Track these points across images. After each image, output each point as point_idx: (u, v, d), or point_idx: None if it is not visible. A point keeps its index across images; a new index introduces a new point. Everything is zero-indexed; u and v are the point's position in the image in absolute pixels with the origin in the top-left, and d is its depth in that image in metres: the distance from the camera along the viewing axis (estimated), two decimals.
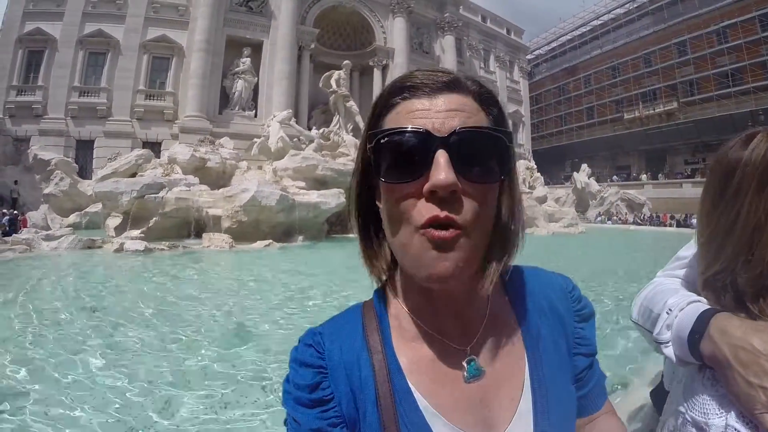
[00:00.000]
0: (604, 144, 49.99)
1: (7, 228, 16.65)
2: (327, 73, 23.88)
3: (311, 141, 20.34)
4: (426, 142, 0.58)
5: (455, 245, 0.58)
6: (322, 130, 22.17)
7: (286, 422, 0.69)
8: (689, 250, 1.16)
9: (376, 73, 31.35)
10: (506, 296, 0.76)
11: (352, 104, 23.59)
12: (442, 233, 0.57)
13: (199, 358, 4.52)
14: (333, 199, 16.21)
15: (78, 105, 25.60)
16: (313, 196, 16.05)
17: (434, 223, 0.58)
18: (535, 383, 0.70)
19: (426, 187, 0.58)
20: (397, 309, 0.72)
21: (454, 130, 0.58)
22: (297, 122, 23.90)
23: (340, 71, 24.07)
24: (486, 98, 0.65)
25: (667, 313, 0.96)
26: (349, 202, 0.73)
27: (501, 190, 0.65)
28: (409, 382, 0.66)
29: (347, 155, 19.74)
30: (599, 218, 34.00)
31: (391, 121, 0.62)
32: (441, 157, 0.57)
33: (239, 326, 5.66)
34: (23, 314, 6.09)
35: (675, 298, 0.98)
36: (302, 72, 28.29)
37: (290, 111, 23.36)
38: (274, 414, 3.30)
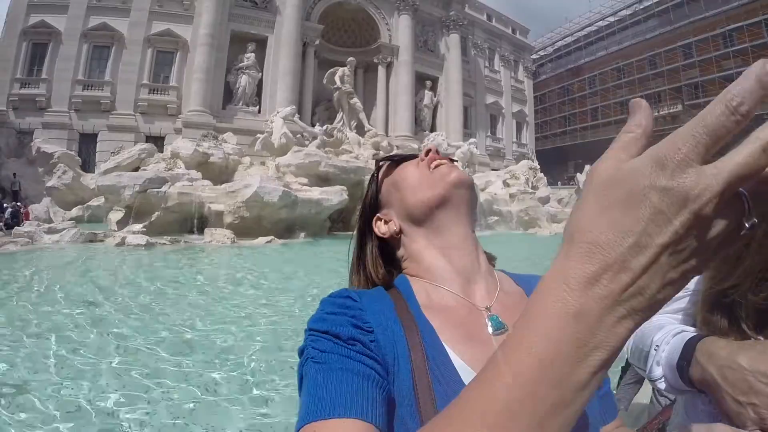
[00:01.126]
0: (608, 145, 45.19)
1: (10, 221, 16.66)
2: (331, 70, 23.86)
3: (314, 137, 20.33)
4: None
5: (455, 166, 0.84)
6: (326, 126, 22.17)
7: (301, 376, 0.63)
8: None
9: (381, 71, 31.31)
10: (512, 280, 0.86)
11: (356, 101, 23.57)
12: (445, 161, 0.84)
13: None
14: (335, 196, 16.19)
15: (82, 98, 25.58)
16: (316, 193, 16.05)
17: (434, 159, 0.85)
18: None
19: (423, 150, 0.88)
20: (421, 284, 0.79)
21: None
22: (301, 119, 23.88)
23: (345, 68, 24.04)
24: None
25: (655, 350, 0.97)
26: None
27: None
28: (441, 339, 0.69)
29: (350, 152, 19.75)
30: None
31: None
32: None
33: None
34: (18, 306, 6.10)
35: (660, 334, 0.99)
36: (306, 68, 28.25)
37: (294, 107, 23.34)
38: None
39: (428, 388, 0.61)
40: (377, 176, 0.92)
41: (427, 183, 0.81)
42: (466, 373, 0.65)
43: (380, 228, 0.87)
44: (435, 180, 0.80)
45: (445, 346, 0.68)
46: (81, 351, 4.44)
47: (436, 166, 0.82)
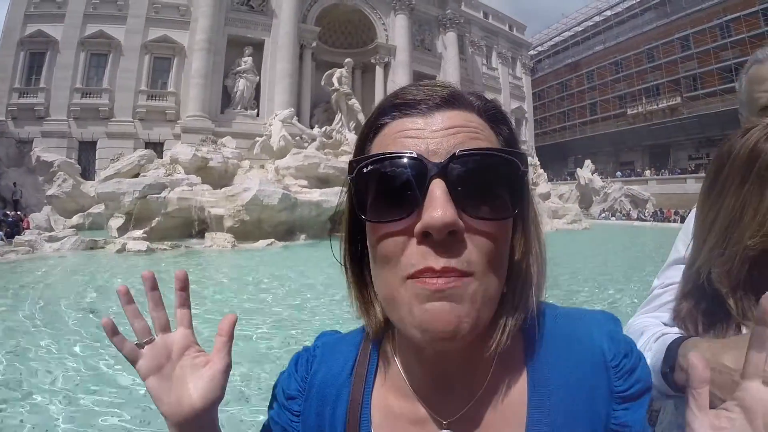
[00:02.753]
0: (607, 140, 49.77)
1: (10, 230, 16.67)
2: (329, 72, 23.83)
3: (313, 139, 20.32)
4: (418, 170, 0.46)
5: (456, 297, 0.46)
6: (325, 128, 22.16)
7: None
8: (665, 277, 1.13)
9: (378, 71, 31.26)
10: (522, 354, 0.59)
11: (354, 102, 23.55)
12: (439, 282, 0.45)
13: None
14: (335, 197, 16.02)
15: (80, 106, 25.55)
16: (315, 195, 16.03)
17: (428, 273, 0.46)
18: None
19: (417, 227, 0.46)
20: (389, 356, 0.62)
21: (454, 154, 0.46)
22: (299, 121, 23.81)
23: (342, 69, 24.02)
24: (494, 115, 0.53)
25: None
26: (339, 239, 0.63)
27: (515, 226, 0.53)
28: None
29: (349, 153, 19.58)
30: (603, 214, 33.84)
31: (378, 146, 0.52)
32: (437, 188, 0.45)
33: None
34: (20, 316, 6.09)
35: (642, 341, 0.96)
36: (304, 70, 28.22)
37: (292, 109, 23.29)
38: None
39: None
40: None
41: (399, 309, 0.50)
42: None
43: None
44: (411, 317, 0.48)
45: None
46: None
47: (425, 287, 0.47)
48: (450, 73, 34.18)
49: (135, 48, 26.65)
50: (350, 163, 0.52)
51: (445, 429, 0.56)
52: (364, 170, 0.49)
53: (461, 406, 0.56)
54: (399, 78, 30.35)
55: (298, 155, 17.85)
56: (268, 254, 13.06)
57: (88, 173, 22.84)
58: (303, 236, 15.41)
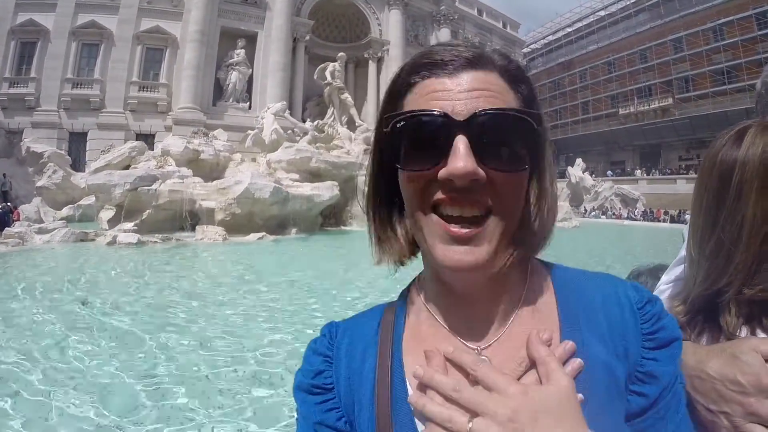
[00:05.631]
0: (599, 139, 50.01)
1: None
2: (322, 65, 23.76)
3: (305, 133, 20.26)
4: (445, 127, 0.53)
5: (476, 239, 0.55)
6: (317, 122, 22.09)
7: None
8: (672, 273, 1.08)
9: (371, 66, 31.24)
10: (553, 298, 0.65)
11: (346, 96, 23.49)
12: (462, 230, 0.55)
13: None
14: (327, 191, 16.17)
15: (71, 97, 25.39)
16: (307, 189, 16.02)
17: (452, 217, 0.55)
18: None
19: (441, 173, 0.54)
20: (418, 304, 0.69)
21: (475, 113, 0.53)
22: (291, 114, 23.79)
23: (335, 63, 23.95)
24: (514, 75, 0.59)
25: None
26: (365, 183, 0.68)
27: (530, 178, 0.60)
28: (408, 385, 0.61)
29: (341, 147, 19.70)
30: (593, 213, 34.06)
31: (410, 103, 0.58)
32: (460, 143, 0.52)
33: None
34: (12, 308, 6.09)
35: None
36: (297, 64, 28.15)
37: (285, 103, 23.19)
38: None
39: None
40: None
41: (431, 246, 0.57)
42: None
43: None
44: (440, 254, 0.56)
45: (410, 391, 0.60)
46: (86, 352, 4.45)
47: (450, 233, 0.55)
48: None
49: (127, 38, 26.47)
50: (384, 117, 0.59)
51: (479, 354, 0.60)
52: (398, 125, 0.56)
53: (494, 334, 0.62)
54: (392, 72, 30.28)
55: (290, 149, 17.81)
56: (259, 247, 13.07)
57: (78, 164, 22.67)
58: (294, 230, 15.38)
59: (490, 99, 0.55)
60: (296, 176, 16.80)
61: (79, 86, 25.79)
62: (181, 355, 4.35)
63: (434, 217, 0.56)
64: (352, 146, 19.88)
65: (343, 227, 17.74)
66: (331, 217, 17.30)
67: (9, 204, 19.12)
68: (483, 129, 0.53)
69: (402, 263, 0.67)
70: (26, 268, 9.18)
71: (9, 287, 7.23)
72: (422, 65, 0.58)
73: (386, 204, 0.66)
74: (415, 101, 0.57)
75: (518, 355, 0.58)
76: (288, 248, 13.00)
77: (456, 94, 0.55)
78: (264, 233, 14.40)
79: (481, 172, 0.53)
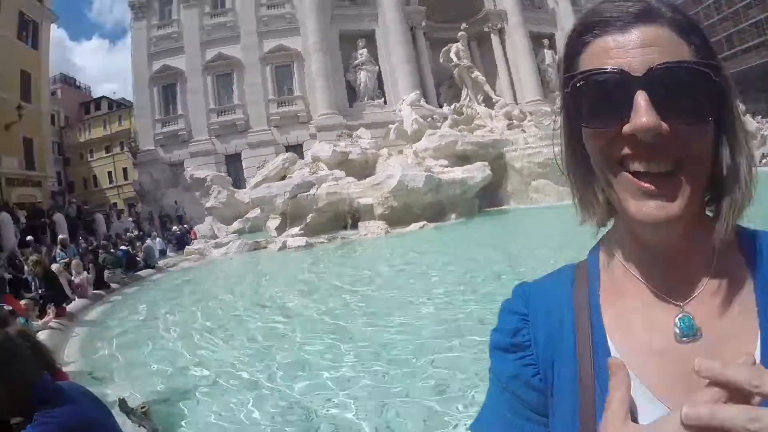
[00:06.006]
0: (753, 74, 42.02)
1: (177, 242, 18.45)
2: (445, 48, 23.26)
3: (445, 118, 19.97)
4: (623, 84, 0.52)
5: (667, 193, 0.53)
6: (453, 105, 21.68)
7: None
8: None
9: (494, 39, 29.96)
10: (742, 257, 0.60)
11: (477, 74, 22.74)
12: (650, 186, 0.53)
13: None
14: (478, 172, 15.68)
15: (218, 124, 27.73)
16: (458, 173, 15.73)
17: (639, 173, 0.53)
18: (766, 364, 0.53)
19: (626, 129, 0.52)
20: (612, 261, 0.66)
21: (651, 67, 0.51)
22: (427, 101, 23.61)
23: (458, 44, 23.33)
24: (685, 26, 0.55)
25: None
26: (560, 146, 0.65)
27: (719, 131, 0.56)
28: (610, 341, 0.60)
29: (484, 126, 19.01)
30: (765, 160, 28.76)
31: (586, 62, 0.56)
32: (641, 98, 0.51)
33: None
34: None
35: None
36: (420, 52, 27.83)
37: (418, 92, 23.06)
38: None
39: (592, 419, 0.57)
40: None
41: (621, 203, 0.56)
42: (633, 384, 0.51)
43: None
44: (631, 209, 0.55)
45: (612, 347, 0.60)
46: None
47: (639, 187, 0.54)
48: (567, 27, 31.47)
49: (254, 62, 28.16)
50: (565, 79, 0.58)
51: (681, 312, 0.58)
52: (578, 85, 0.56)
53: (691, 291, 0.59)
54: (516, 42, 28.75)
55: (434, 136, 17.57)
56: (426, 235, 12.89)
57: (238, 182, 24.73)
58: (453, 215, 15.12)
59: (663, 53, 0.53)
60: (445, 162, 16.52)
61: (223, 114, 28.06)
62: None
63: (624, 174, 0.55)
64: (494, 123, 19.09)
65: (500, 206, 16.92)
66: (484, 199, 16.60)
67: (185, 225, 21.41)
68: (661, 83, 0.52)
69: (604, 224, 0.66)
70: (220, 274, 9.79)
71: (226, 285, 7.62)
72: (592, 24, 0.57)
73: (582, 165, 0.63)
74: (590, 60, 0.56)
75: (744, 351, 0.48)
76: (455, 233, 12.66)
77: (629, 51, 0.54)
78: (424, 222, 14.41)
79: (665, 125, 0.51)
